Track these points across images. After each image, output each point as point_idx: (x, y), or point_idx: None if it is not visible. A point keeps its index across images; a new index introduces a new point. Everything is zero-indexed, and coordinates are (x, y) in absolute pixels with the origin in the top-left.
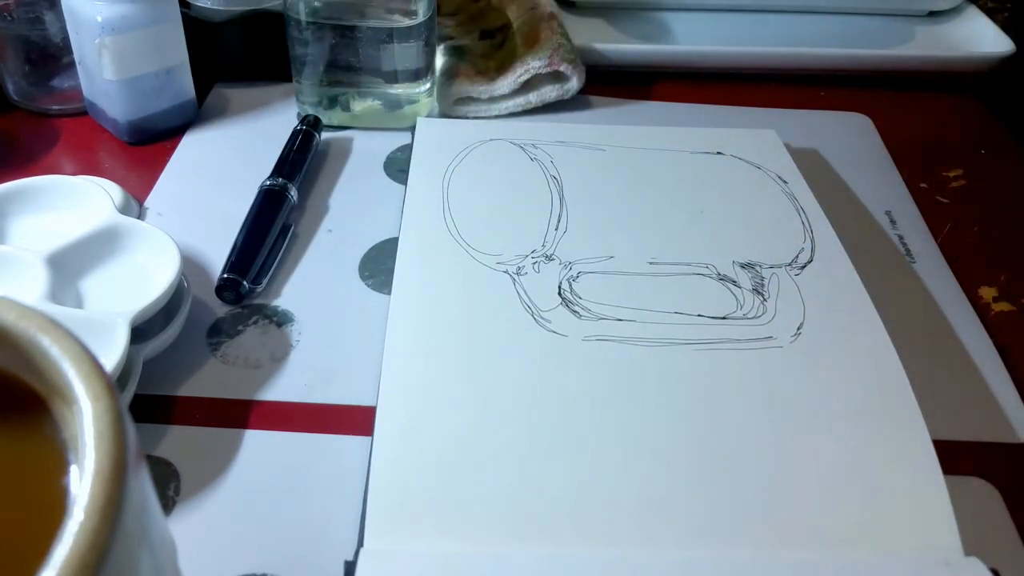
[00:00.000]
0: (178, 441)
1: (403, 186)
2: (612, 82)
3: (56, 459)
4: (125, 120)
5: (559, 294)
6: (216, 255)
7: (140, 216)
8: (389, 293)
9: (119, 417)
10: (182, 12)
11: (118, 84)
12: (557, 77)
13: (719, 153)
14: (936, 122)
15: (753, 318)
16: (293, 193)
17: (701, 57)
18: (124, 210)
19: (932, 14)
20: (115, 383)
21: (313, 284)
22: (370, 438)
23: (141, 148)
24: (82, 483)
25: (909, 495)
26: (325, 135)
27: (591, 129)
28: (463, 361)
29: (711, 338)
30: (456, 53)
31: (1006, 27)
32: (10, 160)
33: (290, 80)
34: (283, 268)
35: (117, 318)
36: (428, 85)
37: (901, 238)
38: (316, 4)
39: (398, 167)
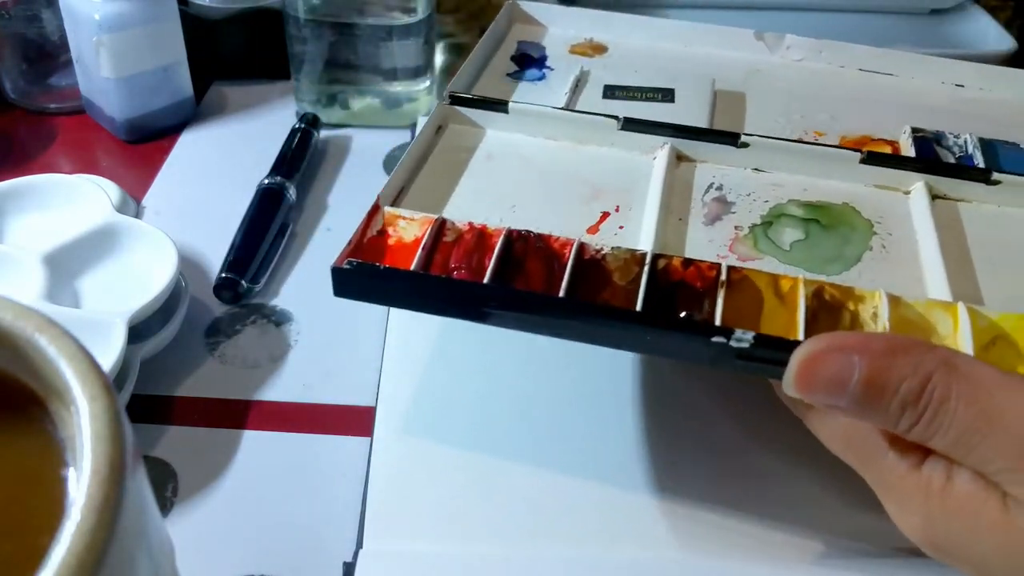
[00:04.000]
0: (176, 441)
1: None
2: None
3: (54, 459)
4: (123, 118)
5: None
6: (214, 254)
7: (137, 215)
8: None
9: (116, 417)
10: (180, 10)
11: (116, 82)
12: None
13: None
14: None
15: None
16: (292, 192)
17: None
18: (121, 209)
19: (934, 12)
20: (112, 383)
21: (312, 283)
22: (369, 438)
23: (139, 146)
24: (80, 484)
25: None
26: (324, 133)
27: None
28: (463, 362)
29: None
30: (456, 51)
31: (1008, 25)
32: (7, 159)
33: (289, 78)
34: (282, 267)
35: (114, 318)
36: (428, 83)
37: None
38: (315, 1)
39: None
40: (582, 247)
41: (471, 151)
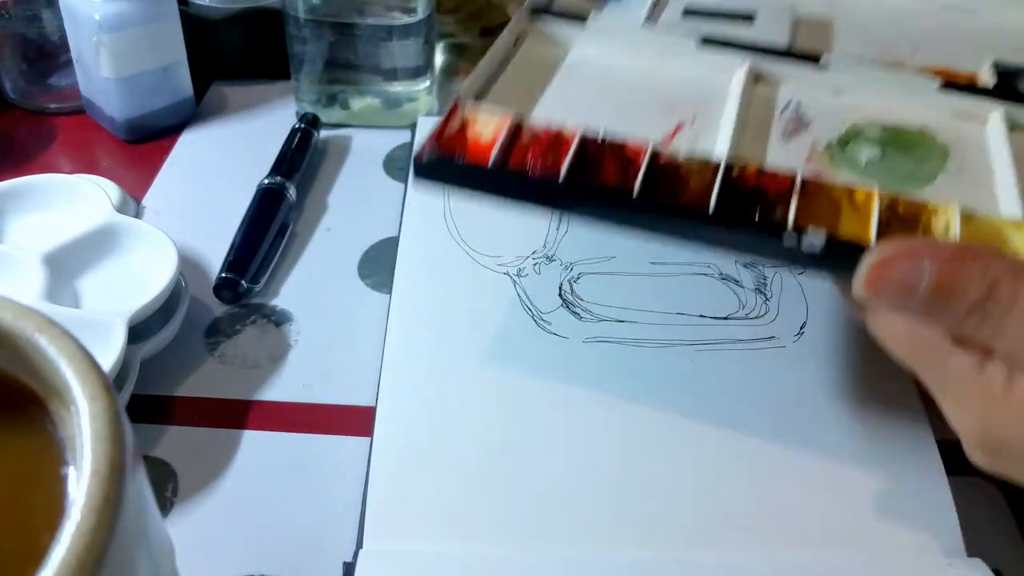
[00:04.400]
0: (176, 441)
1: (402, 184)
2: None
3: (54, 459)
4: (123, 118)
5: (560, 295)
6: (214, 254)
7: (138, 215)
8: (388, 292)
9: (116, 417)
10: (180, 9)
11: (116, 82)
12: None
13: None
14: None
15: (755, 318)
16: (292, 192)
17: None
18: (121, 209)
19: None
20: (112, 383)
21: (312, 283)
22: (369, 438)
23: (139, 146)
24: (80, 484)
25: (912, 496)
26: (324, 133)
27: None
28: (463, 363)
29: (713, 338)
30: (456, 51)
31: None
32: (7, 159)
33: (289, 78)
34: (282, 267)
35: (115, 318)
36: (428, 83)
37: None
38: (315, 1)
39: (397, 165)
40: (656, 152)
41: (548, 62)
